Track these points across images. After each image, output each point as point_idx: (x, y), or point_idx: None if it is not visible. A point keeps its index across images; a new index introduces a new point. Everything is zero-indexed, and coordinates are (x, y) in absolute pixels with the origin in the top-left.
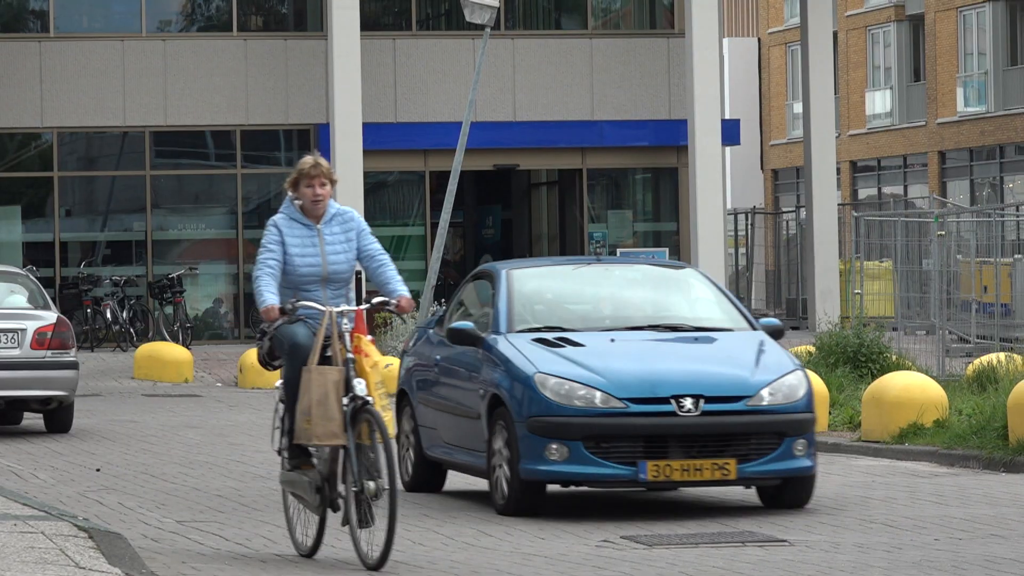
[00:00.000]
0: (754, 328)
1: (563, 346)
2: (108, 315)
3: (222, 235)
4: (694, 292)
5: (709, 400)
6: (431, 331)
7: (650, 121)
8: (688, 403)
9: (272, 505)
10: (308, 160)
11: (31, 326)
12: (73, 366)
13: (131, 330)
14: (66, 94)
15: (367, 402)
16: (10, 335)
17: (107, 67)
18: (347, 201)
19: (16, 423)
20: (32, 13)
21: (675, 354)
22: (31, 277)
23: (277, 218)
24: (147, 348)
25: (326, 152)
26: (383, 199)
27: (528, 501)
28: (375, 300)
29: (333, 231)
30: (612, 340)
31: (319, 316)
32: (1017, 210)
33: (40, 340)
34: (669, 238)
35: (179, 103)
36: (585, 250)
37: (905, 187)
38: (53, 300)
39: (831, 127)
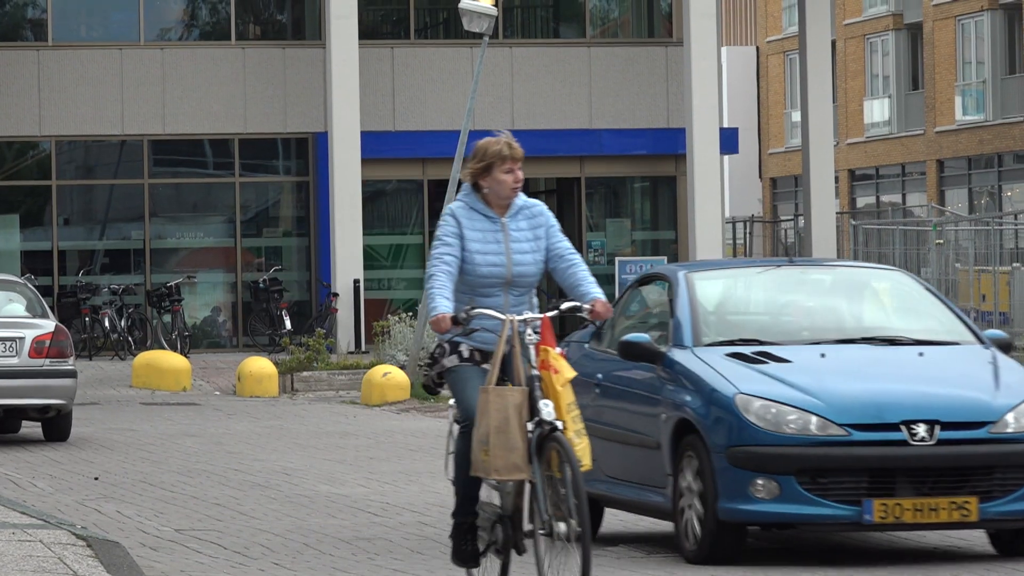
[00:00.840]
0: (982, 341)
1: (765, 362)
2: (106, 323)
3: (220, 244)
4: (907, 299)
5: (945, 427)
6: (586, 345)
7: (648, 130)
8: (921, 430)
9: (270, 514)
10: (501, 141)
11: (29, 334)
12: (71, 374)
13: (129, 338)
14: (64, 103)
15: (556, 428)
16: (8, 344)
17: (105, 76)
18: (345, 210)
19: (14, 431)
20: (30, 22)
21: (900, 372)
22: (29, 286)
23: (455, 206)
24: (145, 356)
25: (324, 161)
26: (381, 208)
27: (726, 546)
28: (565, 305)
29: (520, 226)
30: (823, 355)
31: (499, 326)
32: (1015, 219)
33: (38, 349)
34: (667, 247)
35: (177, 112)
36: (584, 259)
37: (903, 196)
38: (51, 309)
39: (829, 136)
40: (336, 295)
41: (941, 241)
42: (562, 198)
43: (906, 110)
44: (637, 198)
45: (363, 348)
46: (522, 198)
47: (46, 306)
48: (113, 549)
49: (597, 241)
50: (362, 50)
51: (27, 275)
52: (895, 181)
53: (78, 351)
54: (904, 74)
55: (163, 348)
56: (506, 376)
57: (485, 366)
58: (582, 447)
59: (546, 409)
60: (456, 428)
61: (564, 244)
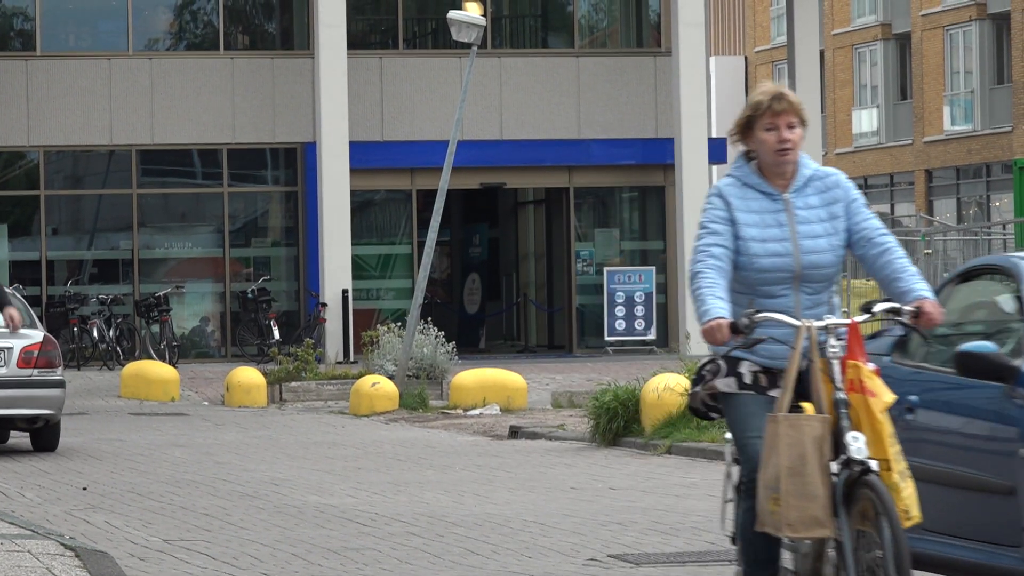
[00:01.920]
0: None
1: None
2: (95, 334)
3: (209, 254)
4: None
5: None
6: (886, 359)
7: (637, 140)
8: None
9: (259, 524)
10: (768, 89)
11: (17, 345)
12: (60, 385)
13: (118, 349)
14: (52, 113)
15: (869, 469)
16: None
17: (94, 86)
18: (334, 219)
19: (3, 442)
20: (18, 32)
21: None
22: (18, 296)
23: (723, 183)
24: (134, 367)
25: (312, 171)
26: (370, 217)
27: None
28: (880, 306)
29: (809, 203)
30: None
31: (791, 335)
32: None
33: (27, 359)
34: (656, 256)
35: (166, 122)
36: (572, 269)
37: (892, 205)
38: (40, 319)
39: (817, 145)
40: (324, 305)
41: (930, 251)
42: (550, 208)
43: (894, 120)
44: (626, 208)
45: (351, 358)
46: (811, 166)
47: (34, 316)
48: (101, 560)
49: (586, 251)
50: (350, 60)
51: (15, 285)
52: (883, 191)
53: (66, 361)
54: (892, 84)
55: (151, 358)
56: (802, 400)
57: (773, 393)
58: (908, 494)
59: (856, 444)
60: (735, 472)
61: (872, 223)
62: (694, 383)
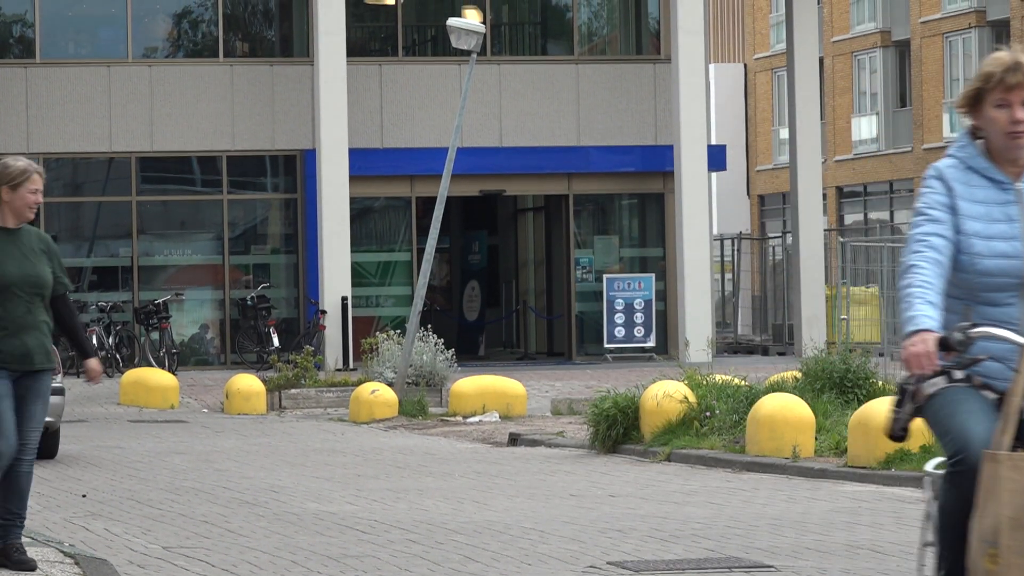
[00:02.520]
0: None
1: None
2: (94, 341)
3: (208, 261)
4: None
5: None
6: None
7: (636, 147)
8: None
9: (258, 531)
10: (1002, 58)
11: None
12: (59, 392)
13: (117, 356)
14: (52, 120)
15: None
16: None
17: (93, 93)
18: (333, 227)
19: None
20: (18, 39)
21: None
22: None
23: (943, 164)
24: (133, 374)
25: (312, 178)
26: (369, 225)
27: None
28: None
29: None
30: None
31: (1014, 354)
32: None
33: None
34: (655, 264)
35: (165, 129)
36: (572, 276)
37: (891, 213)
38: None
39: (817, 153)
40: (324, 312)
41: None
42: (550, 215)
43: (894, 127)
44: (625, 215)
45: (351, 365)
46: None
47: None
48: (101, 567)
49: (585, 258)
50: (350, 67)
51: None
52: (883, 198)
53: (66, 368)
54: (892, 91)
55: (151, 365)
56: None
57: (987, 393)
58: None
59: None
60: (934, 509)
61: None
62: (897, 404)
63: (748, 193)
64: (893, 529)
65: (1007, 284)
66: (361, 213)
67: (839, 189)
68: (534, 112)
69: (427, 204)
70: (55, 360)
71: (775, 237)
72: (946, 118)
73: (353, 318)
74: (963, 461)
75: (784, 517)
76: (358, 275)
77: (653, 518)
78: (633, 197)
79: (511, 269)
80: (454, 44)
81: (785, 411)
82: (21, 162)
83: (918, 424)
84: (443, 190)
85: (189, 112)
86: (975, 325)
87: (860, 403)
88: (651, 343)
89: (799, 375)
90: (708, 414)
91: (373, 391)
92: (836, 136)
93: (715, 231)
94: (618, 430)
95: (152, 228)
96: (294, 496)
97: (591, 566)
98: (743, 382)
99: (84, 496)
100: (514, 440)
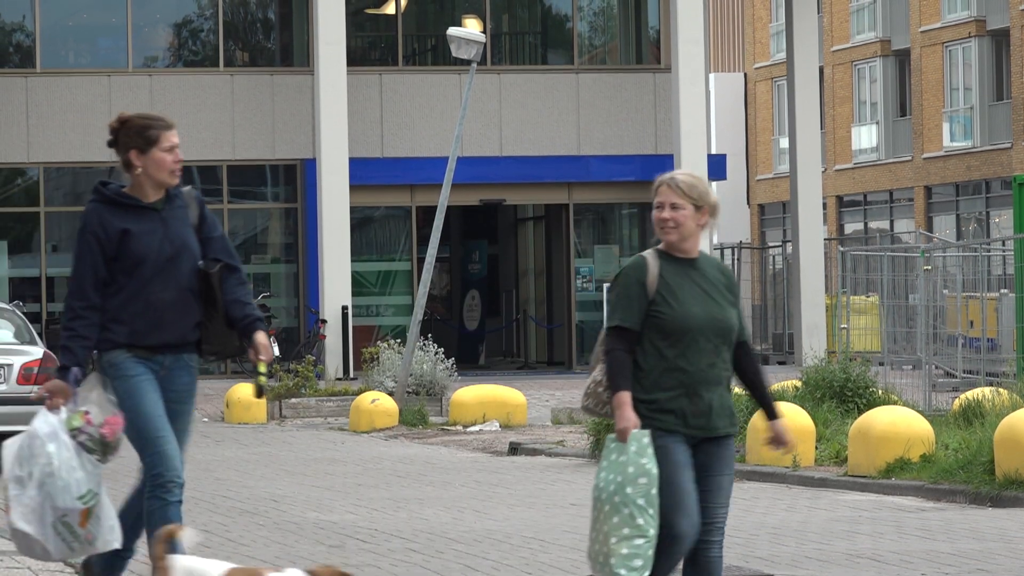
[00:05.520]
0: None
1: None
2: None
3: None
4: None
5: None
6: None
7: (636, 156)
8: None
9: (259, 541)
10: None
11: (18, 361)
12: None
13: None
14: (52, 129)
15: None
16: None
17: (93, 102)
18: (333, 236)
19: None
20: (18, 49)
21: None
22: (18, 313)
23: None
24: None
25: (312, 187)
26: (370, 234)
27: None
28: None
29: None
30: None
31: None
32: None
33: (27, 375)
34: None
35: None
36: (572, 285)
37: (891, 222)
38: (40, 335)
39: (817, 162)
40: (324, 322)
41: (929, 267)
42: (550, 224)
43: (894, 136)
44: (625, 224)
45: (351, 375)
46: None
47: (35, 333)
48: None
49: (585, 268)
50: (350, 76)
51: (15, 302)
52: (883, 207)
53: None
54: (892, 100)
55: None
56: None
57: None
58: None
59: None
60: None
61: None
62: None
63: (748, 202)
64: (894, 538)
65: None
66: (361, 222)
67: (839, 198)
68: (534, 121)
69: (427, 213)
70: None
71: (775, 246)
72: (946, 127)
73: (353, 327)
74: None
75: (784, 526)
76: (358, 284)
77: None
78: (633, 206)
79: (511, 278)
80: (454, 53)
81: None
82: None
83: (917, 432)
84: (443, 199)
85: (189, 121)
86: None
87: (860, 412)
88: None
89: (799, 384)
90: None
91: (373, 400)
92: (836, 145)
93: (715, 240)
94: None
95: None
96: (294, 505)
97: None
98: (743, 391)
99: None
100: (514, 449)
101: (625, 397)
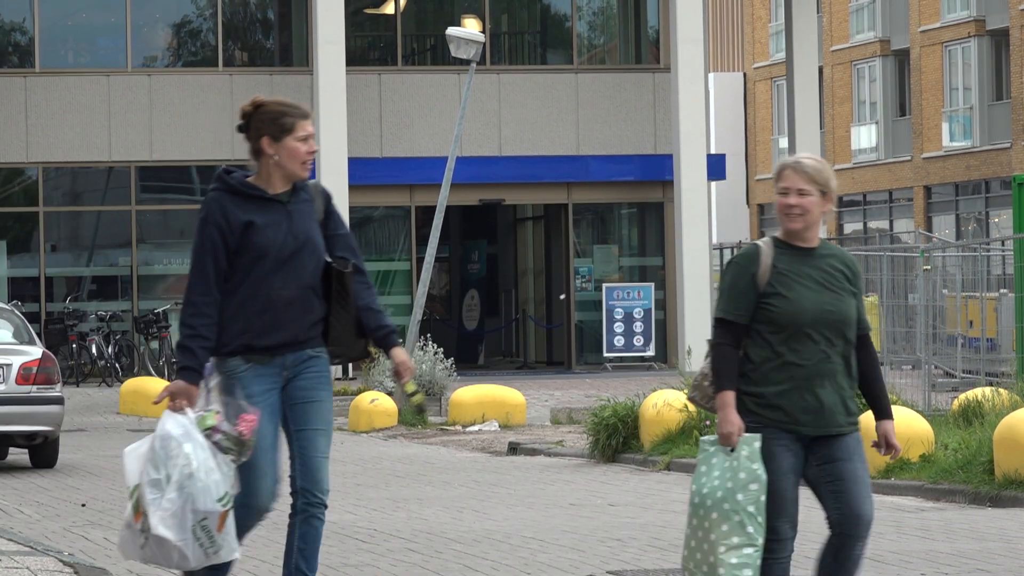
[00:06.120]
0: None
1: None
2: (93, 350)
3: None
4: None
5: None
6: None
7: (636, 156)
8: None
9: (258, 540)
10: None
11: (16, 361)
12: (58, 401)
13: (116, 365)
14: (51, 129)
15: None
16: None
17: (92, 102)
18: None
19: (2, 458)
20: (17, 49)
21: None
22: (16, 312)
23: None
24: (132, 383)
25: None
26: (369, 234)
27: None
28: None
29: None
30: None
31: None
32: (1003, 245)
33: (25, 375)
34: (655, 273)
35: (164, 138)
36: (571, 285)
37: (891, 222)
38: (38, 335)
39: None
40: None
41: (929, 267)
42: (549, 224)
43: (893, 136)
44: (624, 224)
45: (350, 375)
46: None
47: (33, 333)
48: None
49: (584, 267)
50: (349, 76)
51: (14, 302)
52: (882, 207)
53: (65, 378)
54: (891, 100)
55: (150, 375)
56: None
57: None
58: None
59: None
60: None
61: None
62: None
63: (748, 202)
64: (892, 538)
65: None
66: (360, 222)
67: (838, 198)
68: (533, 121)
69: (426, 213)
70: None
71: None
72: (945, 127)
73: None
74: None
75: None
76: None
77: (653, 527)
78: (632, 206)
79: (510, 278)
80: (453, 53)
81: None
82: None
83: (916, 432)
84: (442, 199)
85: (188, 121)
86: None
87: (859, 412)
88: (651, 352)
89: None
90: (708, 423)
91: (372, 400)
92: (835, 145)
93: (715, 240)
94: (618, 439)
95: (151, 237)
96: None
97: (590, 575)
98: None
99: (83, 505)
100: (513, 449)
101: (728, 398)
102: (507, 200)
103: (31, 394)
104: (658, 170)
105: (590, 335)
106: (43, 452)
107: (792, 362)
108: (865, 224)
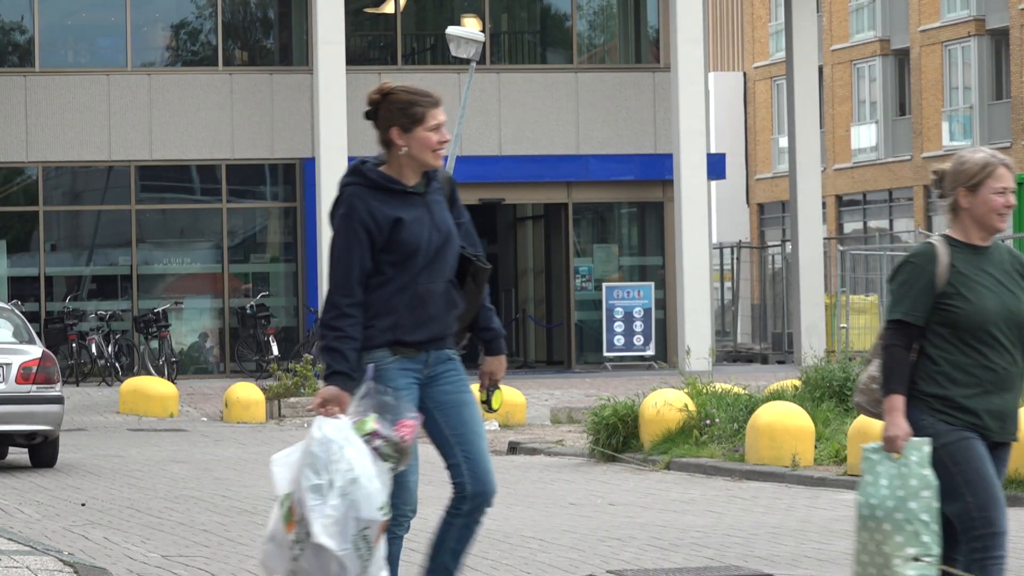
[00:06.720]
0: None
1: None
2: (93, 349)
3: (207, 269)
4: None
5: None
6: None
7: (636, 155)
8: None
9: (258, 539)
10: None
11: (16, 360)
12: (58, 400)
13: (116, 365)
14: (51, 129)
15: None
16: None
17: (92, 102)
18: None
19: (1, 458)
20: (17, 48)
21: None
22: (16, 312)
23: None
24: (132, 383)
25: (311, 186)
26: None
27: None
28: None
29: None
30: None
31: None
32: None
33: (25, 374)
34: (655, 272)
35: (164, 138)
36: (571, 285)
37: (891, 221)
38: (38, 335)
39: (816, 161)
40: None
41: None
42: (549, 224)
43: (893, 136)
44: (624, 224)
45: None
46: None
47: (33, 332)
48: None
49: (584, 267)
50: (349, 76)
51: (14, 301)
52: (882, 207)
53: (65, 377)
54: (891, 100)
55: (150, 374)
56: None
57: None
58: None
59: None
60: None
61: None
62: None
63: (747, 201)
64: None
65: None
66: None
67: (838, 198)
68: (533, 121)
69: None
70: None
71: (774, 245)
72: (945, 126)
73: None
74: None
75: (783, 526)
76: None
77: (652, 527)
78: (632, 206)
79: (510, 278)
80: (453, 53)
81: (785, 420)
82: (980, 155)
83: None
84: None
85: (188, 121)
86: None
87: None
88: (651, 352)
89: (799, 384)
90: (708, 422)
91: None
92: (835, 144)
93: (714, 240)
94: (617, 438)
95: (151, 237)
96: None
97: (590, 575)
98: (743, 390)
99: (83, 505)
100: (513, 448)
101: (898, 402)
102: (507, 199)
103: (31, 393)
104: (658, 170)
105: (590, 334)
106: (43, 451)
107: (980, 364)
108: (865, 224)
